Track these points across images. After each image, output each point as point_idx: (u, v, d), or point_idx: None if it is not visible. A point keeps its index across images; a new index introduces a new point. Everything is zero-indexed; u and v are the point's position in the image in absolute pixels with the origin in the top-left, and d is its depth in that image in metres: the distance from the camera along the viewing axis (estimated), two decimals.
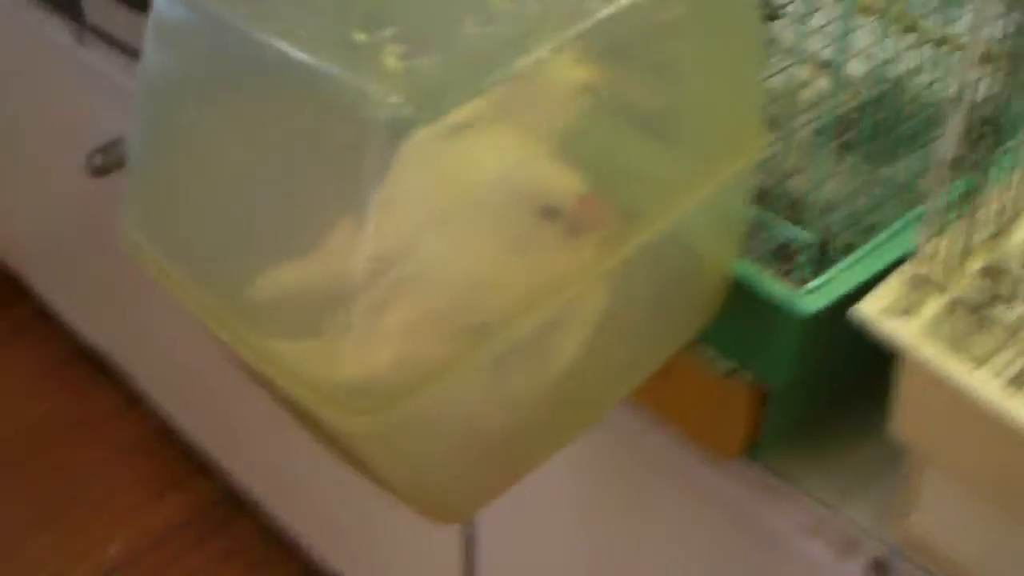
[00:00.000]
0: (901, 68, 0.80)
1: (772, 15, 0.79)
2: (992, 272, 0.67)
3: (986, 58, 0.61)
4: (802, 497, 0.83)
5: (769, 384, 0.78)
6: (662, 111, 0.62)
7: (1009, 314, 0.65)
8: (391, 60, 0.50)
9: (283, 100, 0.55)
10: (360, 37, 0.52)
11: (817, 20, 0.92)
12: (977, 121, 0.62)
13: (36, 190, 1.83)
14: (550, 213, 0.58)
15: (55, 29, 1.45)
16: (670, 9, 0.58)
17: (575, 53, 0.54)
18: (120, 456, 1.84)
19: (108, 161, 1.48)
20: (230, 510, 1.75)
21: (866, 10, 0.92)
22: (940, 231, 0.66)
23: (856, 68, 0.82)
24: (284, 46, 0.52)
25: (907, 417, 0.71)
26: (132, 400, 1.87)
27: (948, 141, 0.62)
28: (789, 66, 0.81)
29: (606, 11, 0.54)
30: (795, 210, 0.75)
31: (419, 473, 0.60)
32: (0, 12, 1.58)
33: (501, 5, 0.54)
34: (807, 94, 0.87)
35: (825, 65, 0.88)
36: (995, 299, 0.66)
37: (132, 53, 1.34)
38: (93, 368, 1.92)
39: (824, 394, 0.85)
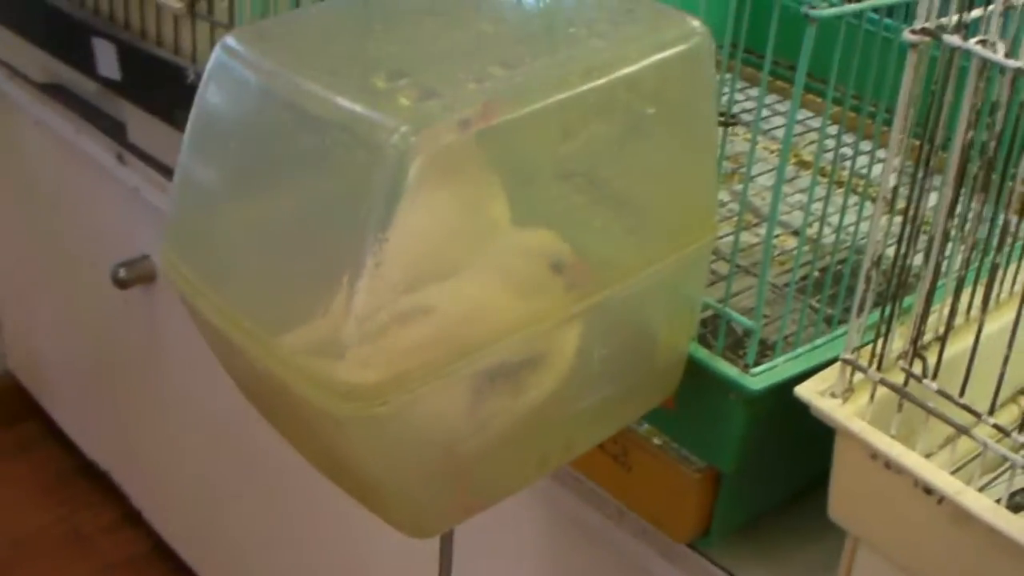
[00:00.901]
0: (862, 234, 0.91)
1: (729, 122, 0.90)
2: (916, 360, 0.76)
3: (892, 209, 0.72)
4: None
5: (720, 468, 0.86)
6: (628, 191, 0.72)
7: (928, 393, 0.74)
8: (404, 102, 0.61)
9: (312, 141, 0.65)
10: (381, 85, 0.63)
11: (789, 189, 1.07)
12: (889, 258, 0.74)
13: (59, 304, 1.91)
14: (558, 268, 0.68)
15: (98, 147, 1.54)
16: (645, 98, 0.70)
17: (559, 117, 0.65)
18: (109, 572, 1.88)
19: (132, 275, 1.58)
20: None
21: (839, 183, 1.06)
22: (877, 334, 0.75)
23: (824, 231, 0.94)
24: (319, 89, 0.63)
25: (840, 496, 0.79)
26: (126, 518, 1.92)
27: (862, 274, 0.73)
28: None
29: (587, 85, 0.65)
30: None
31: (394, 473, 0.68)
32: (47, 129, 1.67)
33: (496, 71, 0.65)
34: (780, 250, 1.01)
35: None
36: (917, 381, 0.75)
37: (168, 172, 1.42)
38: (91, 484, 1.98)
39: (778, 487, 0.93)
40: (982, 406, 0.75)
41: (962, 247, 0.76)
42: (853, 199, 0.95)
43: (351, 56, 0.67)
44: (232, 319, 0.69)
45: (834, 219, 0.93)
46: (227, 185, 0.71)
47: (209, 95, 0.70)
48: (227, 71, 0.68)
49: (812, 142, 1.19)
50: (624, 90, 0.68)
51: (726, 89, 1.02)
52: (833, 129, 1.00)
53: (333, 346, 0.63)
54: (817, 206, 0.93)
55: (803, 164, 1.15)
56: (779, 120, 1.22)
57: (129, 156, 1.50)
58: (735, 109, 1.19)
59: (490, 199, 0.65)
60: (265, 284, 0.70)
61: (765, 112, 1.23)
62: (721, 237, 0.97)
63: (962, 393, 0.73)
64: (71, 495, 1.99)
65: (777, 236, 1.05)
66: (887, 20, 0.93)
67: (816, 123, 1.20)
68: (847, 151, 0.99)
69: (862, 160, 0.95)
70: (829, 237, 0.94)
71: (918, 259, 0.74)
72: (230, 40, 0.69)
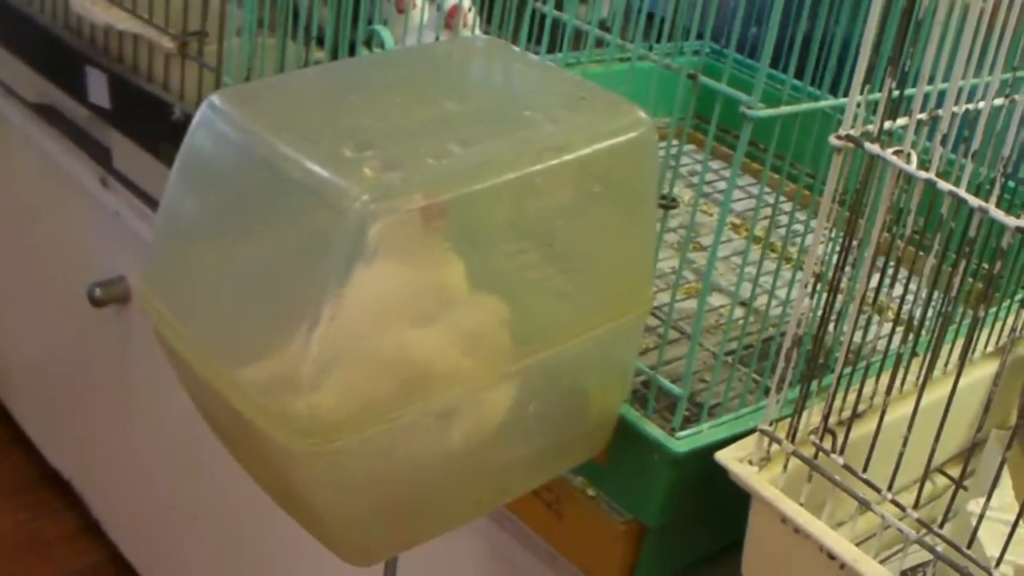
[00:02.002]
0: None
1: (668, 205, 0.97)
2: (827, 435, 0.82)
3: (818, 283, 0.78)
4: None
5: (644, 521, 0.92)
6: (573, 262, 0.78)
7: (835, 466, 0.80)
8: (368, 171, 0.67)
9: (284, 198, 0.72)
10: (348, 154, 0.69)
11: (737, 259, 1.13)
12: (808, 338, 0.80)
13: (34, 316, 1.95)
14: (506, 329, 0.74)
15: (83, 170, 1.60)
16: (593, 179, 0.76)
17: (511, 194, 0.72)
18: None
19: (107, 295, 1.63)
20: None
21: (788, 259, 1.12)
22: (795, 410, 0.82)
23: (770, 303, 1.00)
24: (292, 152, 0.69)
25: (752, 555, 0.84)
26: (85, 527, 1.96)
27: (783, 351, 0.80)
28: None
29: (537, 165, 0.72)
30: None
31: (339, 506, 0.74)
32: (34, 149, 1.73)
33: (455, 148, 0.71)
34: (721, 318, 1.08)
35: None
36: (826, 454, 0.81)
37: (149, 200, 1.49)
38: (53, 492, 2.02)
39: (700, 543, 0.98)
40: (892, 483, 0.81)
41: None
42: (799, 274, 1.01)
43: (324, 124, 0.74)
44: (198, 351, 0.75)
45: (780, 292, 0.99)
46: (204, 227, 0.77)
47: (194, 145, 0.76)
48: (211, 127, 0.75)
49: (765, 217, 1.25)
50: (573, 171, 0.75)
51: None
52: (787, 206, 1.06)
53: (290, 385, 0.69)
54: (765, 279, 0.99)
55: (757, 240, 1.22)
56: (739, 194, 1.29)
57: (112, 181, 1.55)
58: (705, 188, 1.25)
59: (443, 262, 0.71)
60: (231, 321, 0.76)
61: (723, 186, 1.31)
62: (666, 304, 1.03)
63: (865, 469, 0.79)
64: (32, 501, 2.03)
65: (723, 306, 1.11)
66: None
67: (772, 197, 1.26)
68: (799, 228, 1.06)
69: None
70: (776, 309, 1.01)
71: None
72: (216, 99, 0.75)
